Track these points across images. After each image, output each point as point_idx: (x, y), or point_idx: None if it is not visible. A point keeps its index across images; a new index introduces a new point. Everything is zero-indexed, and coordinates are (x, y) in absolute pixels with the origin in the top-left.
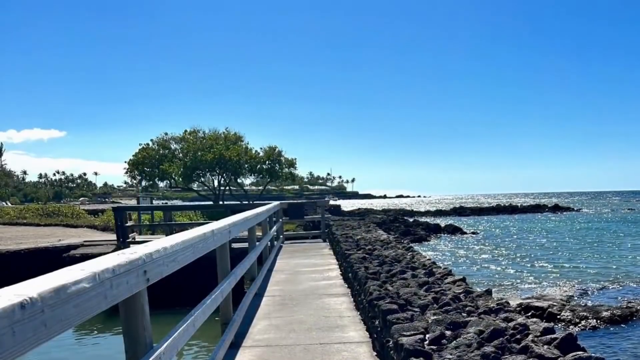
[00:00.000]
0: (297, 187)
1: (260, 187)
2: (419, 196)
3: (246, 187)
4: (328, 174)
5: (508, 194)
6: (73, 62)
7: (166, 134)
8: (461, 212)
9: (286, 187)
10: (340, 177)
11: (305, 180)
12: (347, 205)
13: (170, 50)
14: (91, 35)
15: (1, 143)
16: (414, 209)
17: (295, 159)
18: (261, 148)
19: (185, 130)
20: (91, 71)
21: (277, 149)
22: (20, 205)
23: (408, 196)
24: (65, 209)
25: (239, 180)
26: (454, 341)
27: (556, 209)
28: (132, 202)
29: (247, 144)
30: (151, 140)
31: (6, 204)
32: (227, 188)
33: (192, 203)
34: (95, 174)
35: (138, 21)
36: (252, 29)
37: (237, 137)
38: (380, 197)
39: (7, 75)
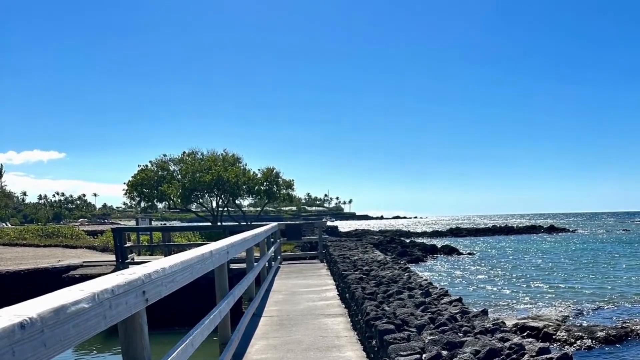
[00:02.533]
0: (294, 208)
1: (258, 208)
2: (415, 217)
3: (244, 208)
4: (325, 195)
5: (504, 215)
6: (72, 84)
7: (165, 155)
8: (457, 233)
9: (284, 208)
10: (337, 198)
11: (303, 201)
12: (344, 226)
13: (169, 72)
14: (90, 58)
15: (1, 164)
16: (411, 230)
17: (293, 180)
18: (259, 169)
19: (184, 152)
20: (90, 93)
21: (274, 171)
22: (20, 227)
23: (405, 217)
24: (65, 229)
25: (237, 202)
26: None
27: (552, 229)
28: (131, 223)
29: (245, 165)
30: (150, 161)
31: (6, 224)
32: (226, 209)
33: (190, 224)
34: (95, 195)
35: (136, 44)
36: (249, 51)
37: (235, 159)
38: (377, 218)
39: (7, 96)
